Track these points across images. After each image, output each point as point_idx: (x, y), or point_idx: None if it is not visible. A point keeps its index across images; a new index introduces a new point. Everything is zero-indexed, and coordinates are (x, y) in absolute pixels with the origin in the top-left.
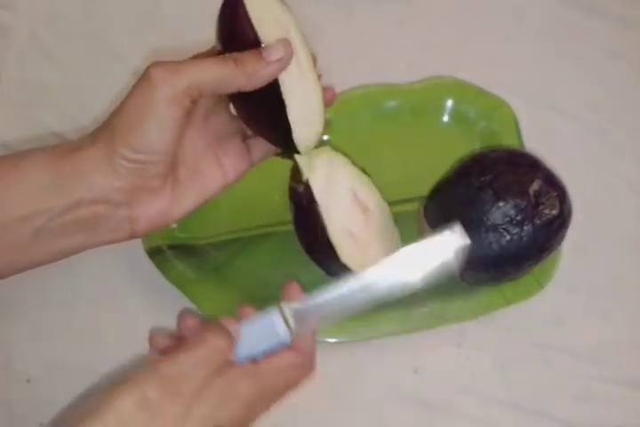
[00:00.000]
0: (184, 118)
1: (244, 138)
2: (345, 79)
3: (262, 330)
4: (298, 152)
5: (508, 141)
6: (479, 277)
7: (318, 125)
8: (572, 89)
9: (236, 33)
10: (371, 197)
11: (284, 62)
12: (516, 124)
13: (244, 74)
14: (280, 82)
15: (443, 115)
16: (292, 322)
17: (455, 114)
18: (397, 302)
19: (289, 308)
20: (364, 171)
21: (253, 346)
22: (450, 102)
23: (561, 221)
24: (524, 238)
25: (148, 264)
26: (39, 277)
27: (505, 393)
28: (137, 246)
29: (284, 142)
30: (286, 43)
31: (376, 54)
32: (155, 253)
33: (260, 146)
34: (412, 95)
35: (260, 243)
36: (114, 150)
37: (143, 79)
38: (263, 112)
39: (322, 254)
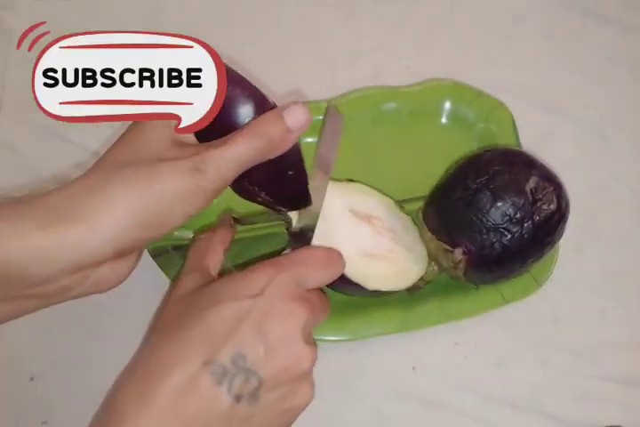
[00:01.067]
0: None
1: None
2: (344, 82)
3: None
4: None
5: (506, 142)
6: (485, 277)
7: None
8: (569, 91)
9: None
10: (368, 202)
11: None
12: (514, 125)
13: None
14: None
15: (441, 117)
16: None
17: (453, 116)
18: (396, 301)
19: None
20: (351, 180)
21: None
22: (448, 104)
23: (560, 216)
24: (526, 236)
25: (151, 265)
26: None
27: (503, 391)
28: None
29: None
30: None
31: (375, 57)
32: (158, 254)
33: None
34: (410, 97)
35: (261, 243)
36: None
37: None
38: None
39: (350, 289)
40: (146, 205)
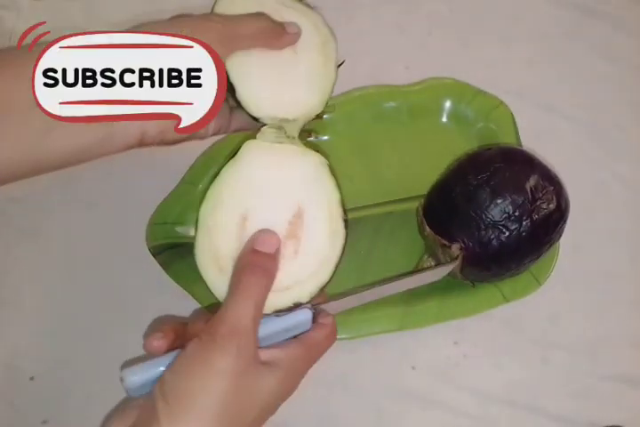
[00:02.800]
0: None
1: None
2: (345, 81)
3: (297, 323)
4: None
5: (506, 141)
6: (481, 275)
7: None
8: (569, 89)
9: None
10: (317, 225)
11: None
12: (514, 124)
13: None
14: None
15: (441, 115)
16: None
17: (453, 114)
18: (396, 300)
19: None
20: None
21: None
22: (448, 103)
23: (559, 215)
24: (524, 234)
25: (151, 263)
26: (42, 276)
27: (502, 390)
28: (141, 245)
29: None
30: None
31: (375, 56)
32: (158, 252)
33: (241, 118)
34: (410, 96)
35: None
36: None
37: None
38: None
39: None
40: None
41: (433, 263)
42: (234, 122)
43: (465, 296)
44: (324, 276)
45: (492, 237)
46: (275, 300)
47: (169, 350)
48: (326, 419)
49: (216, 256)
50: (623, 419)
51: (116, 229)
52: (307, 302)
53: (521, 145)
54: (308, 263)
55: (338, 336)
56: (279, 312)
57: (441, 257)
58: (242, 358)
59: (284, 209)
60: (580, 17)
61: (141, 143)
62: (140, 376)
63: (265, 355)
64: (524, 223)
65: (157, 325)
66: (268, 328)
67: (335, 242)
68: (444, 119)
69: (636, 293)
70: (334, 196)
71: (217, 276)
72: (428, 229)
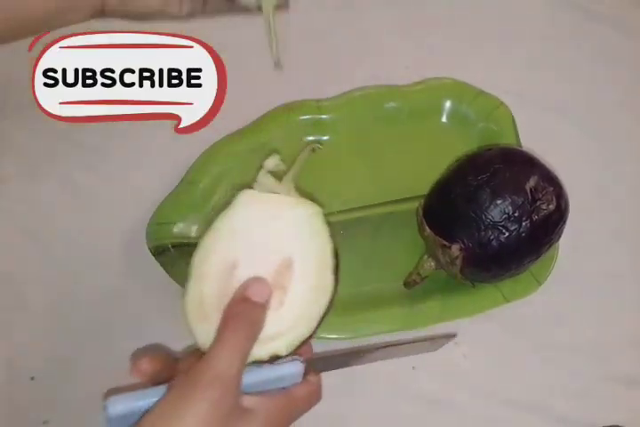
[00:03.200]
0: None
1: None
2: (346, 81)
3: (285, 376)
4: None
5: (506, 142)
6: (480, 275)
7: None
8: (569, 90)
9: None
10: (304, 279)
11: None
12: (514, 124)
13: None
14: None
15: (442, 115)
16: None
17: (454, 115)
18: (396, 300)
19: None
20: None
21: (268, 385)
22: (448, 103)
23: (558, 216)
24: (523, 234)
25: (152, 263)
26: (42, 276)
27: (503, 391)
28: (141, 245)
29: None
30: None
31: (375, 56)
32: (159, 253)
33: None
34: (411, 96)
35: None
36: None
37: None
38: None
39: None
40: None
41: (433, 264)
42: (210, 3)
43: (465, 296)
44: (304, 330)
45: (492, 237)
46: (255, 350)
47: (155, 379)
48: (326, 419)
49: (201, 303)
50: (623, 419)
51: (116, 229)
52: (286, 356)
53: (521, 145)
54: (288, 316)
55: (338, 336)
56: (258, 363)
57: (441, 258)
58: (221, 408)
59: (273, 259)
60: (580, 18)
61: (104, 12)
62: (123, 407)
63: (248, 401)
64: (524, 224)
65: (147, 350)
66: (257, 376)
67: (319, 298)
68: (445, 119)
69: (636, 293)
70: (327, 247)
71: (200, 323)
72: (427, 229)
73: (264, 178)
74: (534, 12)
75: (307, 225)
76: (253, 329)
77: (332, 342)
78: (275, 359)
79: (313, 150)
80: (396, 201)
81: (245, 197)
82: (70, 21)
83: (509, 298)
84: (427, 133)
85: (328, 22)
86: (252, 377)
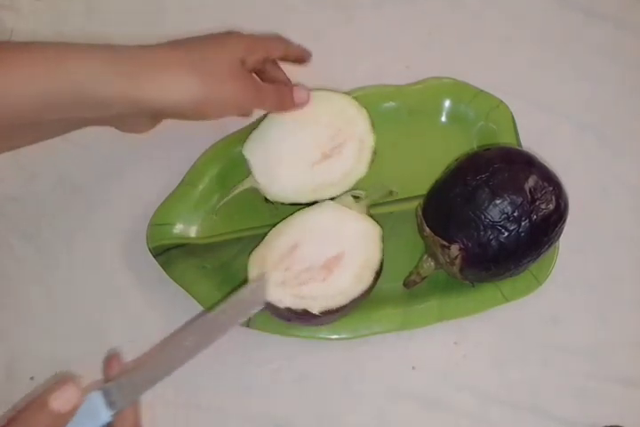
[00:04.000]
0: None
1: None
2: (345, 81)
3: (82, 418)
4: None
5: (506, 141)
6: (480, 275)
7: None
8: (569, 89)
9: None
10: (348, 268)
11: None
12: (514, 124)
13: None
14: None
15: (441, 115)
16: (116, 401)
17: (453, 114)
18: (396, 300)
19: (111, 389)
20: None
21: None
22: (448, 103)
23: (558, 216)
24: (522, 234)
25: (152, 264)
26: (42, 277)
27: (502, 391)
28: (141, 246)
29: None
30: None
31: (376, 56)
32: (159, 253)
33: None
34: (410, 96)
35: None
36: None
37: None
38: None
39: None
40: None
41: (433, 263)
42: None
43: (465, 296)
44: (340, 300)
45: (491, 237)
46: (293, 301)
47: None
48: (326, 419)
49: (263, 259)
50: (623, 419)
51: (116, 229)
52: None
53: (521, 145)
54: (329, 289)
55: (338, 336)
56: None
57: (440, 258)
58: None
59: (329, 251)
60: (582, 17)
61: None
62: None
63: None
64: (523, 224)
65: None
66: None
67: (357, 285)
68: (444, 119)
69: (636, 293)
70: (376, 255)
71: (255, 269)
72: (427, 229)
73: (345, 196)
74: (535, 10)
75: (365, 236)
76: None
77: (331, 342)
78: (306, 313)
79: (390, 193)
80: (396, 201)
81: (324, 204)
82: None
83: (509, 298)
84: (426, 133)
85: (327, 22)
86: None
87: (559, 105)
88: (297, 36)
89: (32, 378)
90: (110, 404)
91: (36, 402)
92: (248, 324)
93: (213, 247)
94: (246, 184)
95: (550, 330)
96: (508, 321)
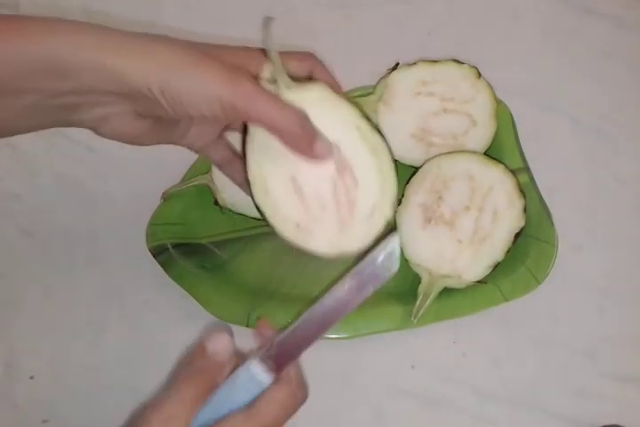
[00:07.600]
0: None
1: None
2: (344, 80)
3: (244, 385)
4: None
5: (505, 140)
6: None
7: None
8: (569, 89)
9: None
10: (355, 149)
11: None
12: (513, 124)
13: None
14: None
15: None
16: (270, 365)
17: None
18: (396, 299)
19: (265, 354)
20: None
21: (237, 401)
22: None
23: None
24: None
25: (151, 263)
26: (42, 276)
27: (501, 389)
28: (141, 245)
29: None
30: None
31: (375, 56)
32: (158, 252)
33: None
34: None
35: (261, 241)
36: None
37: None
38: None
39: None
40: None
41: None
42: (215, 153)
43: (464, 295)
44: (391, 190)
45: None
46: (364, 229)
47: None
48: (326, 418)
49: (286, 220)
50: (623, 419)
51: (116, 229)
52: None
53: (519, 143)
54: (370, 184)
55: (338, 336)
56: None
57: None
58: None
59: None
60: (581, 16)
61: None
62: None
63: None
64: None
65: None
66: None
67: (380, 154)
68: None
69: (635, 292)
70: (354, 112)
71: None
72: None
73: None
74: (534, 10)
75: (327, 106)
76: (210, 385)
77: (331, 340)
78: (388, 226)
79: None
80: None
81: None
82: None
83: (508, 297)
84: None
85: (327, 22)
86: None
87: (559, 105)
88: (297, 36)
89: (32, 377)
90: (269, 370)
91: (195, 353)
92: (248, 324)
93: (212, 247)
94: (201, 180)
95: (549, 329)
96: (507, 320)
